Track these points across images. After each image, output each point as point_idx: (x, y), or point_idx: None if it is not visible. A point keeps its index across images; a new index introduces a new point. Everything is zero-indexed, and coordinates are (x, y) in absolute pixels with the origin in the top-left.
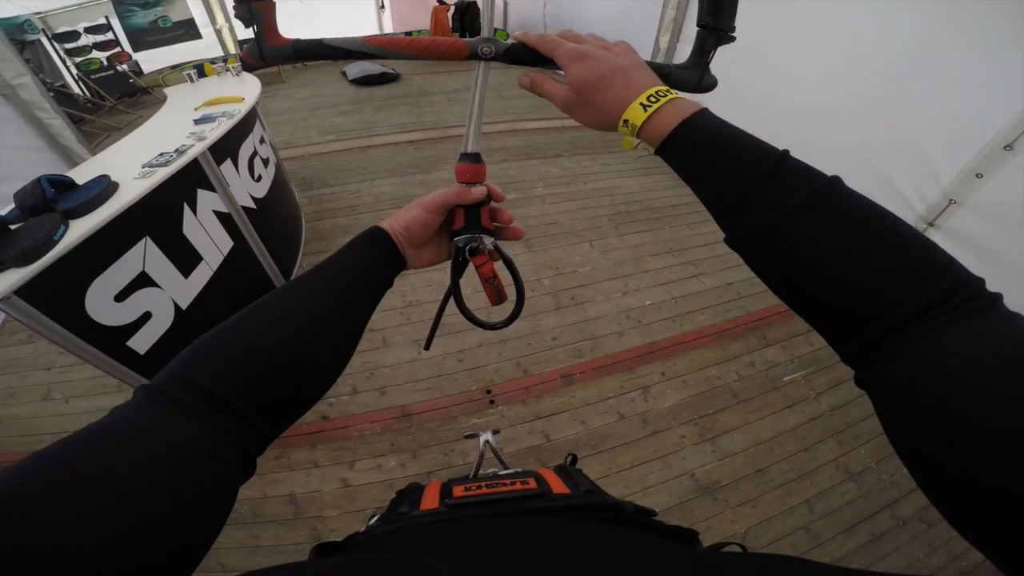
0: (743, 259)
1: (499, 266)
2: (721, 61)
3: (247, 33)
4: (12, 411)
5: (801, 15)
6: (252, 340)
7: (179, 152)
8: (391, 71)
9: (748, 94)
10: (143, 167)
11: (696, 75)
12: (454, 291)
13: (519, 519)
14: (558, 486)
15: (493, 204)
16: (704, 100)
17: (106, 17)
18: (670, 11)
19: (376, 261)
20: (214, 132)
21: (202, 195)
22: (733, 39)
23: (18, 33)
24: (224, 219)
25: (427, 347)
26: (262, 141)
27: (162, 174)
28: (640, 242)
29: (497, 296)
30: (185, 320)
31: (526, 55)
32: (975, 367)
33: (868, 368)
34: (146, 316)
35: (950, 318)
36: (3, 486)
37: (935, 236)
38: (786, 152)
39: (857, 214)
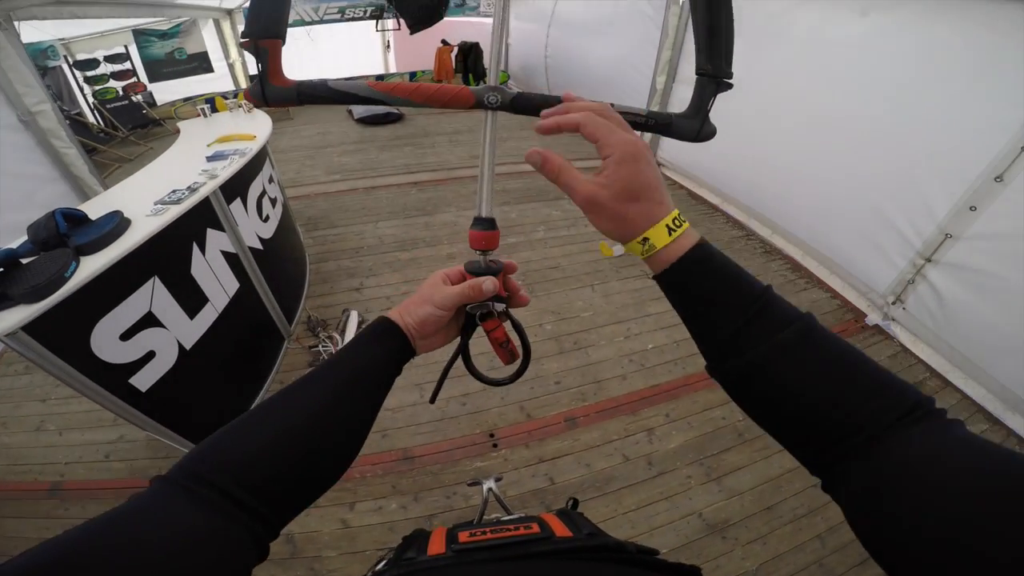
0: (722, 387)
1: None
2: (726, 105)
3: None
4: (3, 440)
5: (792, 56)
6: (267, 448)
7: (191, 189)
8: (395, 111)
9: (743, 133)
10: (156, 204)
11: (697, 124)
12: (463, 352)
13: (524, 562)
14: (560, 530)
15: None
16: (718, 139)
17: (125, 46)
18: (666, 52)
19: (388, 357)
20: (226, 170)
21: (211, 235)
22: (731, 86)
23: (41, 59)
24: (231, 260)
25: (432, 400)
26: (271, 180)
27: (174, 212)
28: (642, 286)
29: (510, 357)
30: (188, 360)
31: (534, 105)
32: (928, 480)
33: (835, 478)
34: (150, 355)
35: (907, 434)
36: (41, 564)
37: (933, 272)
38: (769, 288)
39: (829, 352)
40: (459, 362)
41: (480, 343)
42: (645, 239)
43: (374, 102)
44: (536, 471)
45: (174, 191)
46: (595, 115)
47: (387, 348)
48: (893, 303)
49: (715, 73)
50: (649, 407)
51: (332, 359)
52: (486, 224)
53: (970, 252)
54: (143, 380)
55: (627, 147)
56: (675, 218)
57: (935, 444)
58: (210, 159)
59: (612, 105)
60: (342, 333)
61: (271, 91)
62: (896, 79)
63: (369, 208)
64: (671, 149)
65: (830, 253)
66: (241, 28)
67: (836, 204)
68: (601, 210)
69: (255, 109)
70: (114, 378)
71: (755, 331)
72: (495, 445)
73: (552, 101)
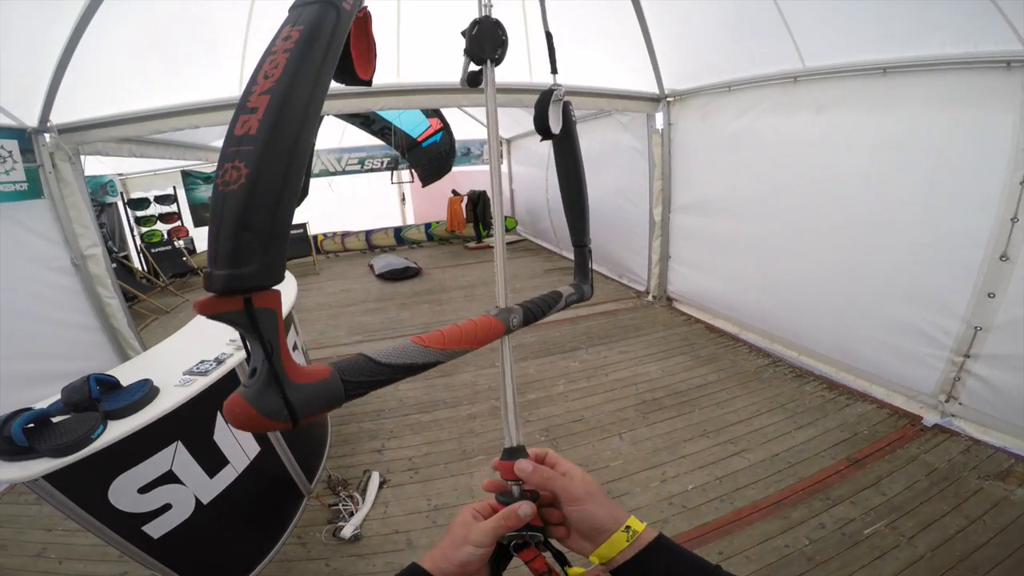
0: None
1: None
2: (724, 227)
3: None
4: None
5: (768, 166)
6: None
7: (218, 361)
8: (413, 265)
9: (746, 254)
10: (184, 374)
11: (590, 288)
12: None
13: None
14: None
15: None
16: (724, 263)
17: (173, 187)
18: (657, 182)
19: None
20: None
21: None
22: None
23: (100, 193)
24: None
25: None
26: (295, 348)
27: (201, 384)
28: (671, 428)
29: None
30: (204, 512)
31: (540, 311)
32: None
33: None
34: (166, 507)
35: None
36: None
37: (977, 366)
38: (719, 567)
39: None
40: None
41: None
42: (627, 527)
43: (429, 366)
44: None
45: (202, 361)
46: (540, 473)
47: None
48: (946, 401)
49: (588, 243)
50: (699, 547)
51: None
52: (515, 453)
53: (1007, 340)
54: (156, 528)
55: (570, 492)
56: (628, 525)
57: None
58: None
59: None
60: (363, 493)
61: (300, 397)
62: (862, 173)
63: None
64: (679, 282)
65: (864, 365)
66: None
67: (854, 314)
68: (564, 535)
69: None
70: (128, 524)
71: None
72: None
73: (552, 299)
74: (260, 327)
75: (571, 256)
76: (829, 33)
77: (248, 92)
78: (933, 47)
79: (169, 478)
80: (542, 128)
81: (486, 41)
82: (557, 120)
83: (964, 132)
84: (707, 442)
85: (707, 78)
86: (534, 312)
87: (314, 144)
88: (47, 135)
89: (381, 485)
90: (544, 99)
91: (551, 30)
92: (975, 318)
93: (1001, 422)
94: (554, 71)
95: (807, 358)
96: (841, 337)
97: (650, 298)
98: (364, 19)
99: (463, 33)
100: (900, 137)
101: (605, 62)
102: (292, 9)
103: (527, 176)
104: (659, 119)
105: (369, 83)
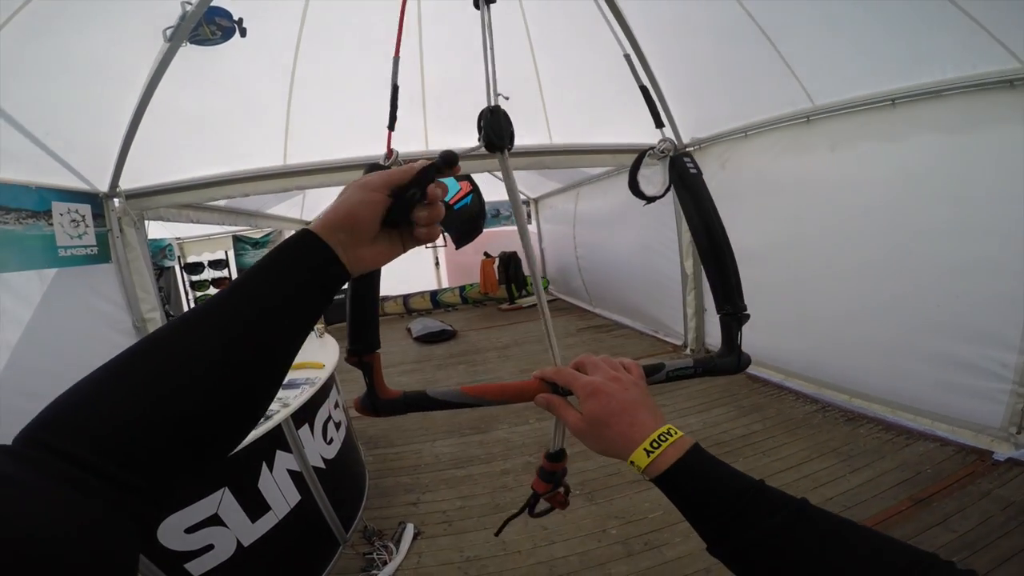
0: (726, 566)
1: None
2: (754, 273)
3: None
4: None
5: (811, 219)
6: (142, 416)
7: (266, 417)
8: (449, 328)
9: (783, 298)
10: None
11: (734, 361)
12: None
13: None
14: None
15: None
16: (759, 311)
17: (225, 252)
18: (685, 233)
19: (310, 278)
20: (297, 399)
21: (280, 455)
22: (748, 316)
23: (160, 257)
24: (295, 476)
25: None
26: (336, 406)
27: (249, 437)
28: None
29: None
30: (244, 553)
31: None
32: None
33: None
34: (208, 547)
35: None
36: None
37: None
38: (762, 481)
39: (824, 528)
40: None
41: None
42: (631, 462)
43: (467, 406)
44: None
45: None
46: (566, 371)
47: (308, 267)
48: (1018, 433)
49: (735, 311)
50: None
51: (230, 287)
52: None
53: None
54: (197, 567)
55: (586, 387)
56: (659, 435)
57: None
58: (283, 387)
59: (664, 366)
60: (397, 543)
61: (381, 404)
62: (884, 206)
63: (426, 427)
64: (717, 334)
65: (922, 404)
66: None
67: (902, 352)
68: (585, 436)
69: (326, 334)
70: (171, 561)
71: (750, 515)
72: None
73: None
74: (365, 370)
75: (605, 314)
76: (833, 68)
77: None
78: (936, 73)
79: (214, 520)
80: (636, 193)
81: (502, 129)
82: (660, 179)
83: (979, 155)
84: None
85: (723, 125)
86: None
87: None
88: (116, 200)
89: (415, 536)
90: (636, 163)
91: (580, 93)
92: None
93: None
94: (658, 125)
95: (859, 400)
96: (893, 376)
97: (688, 352)
98: None
99: (479, 122)
100: (916, 167)
101: (620, 119)
102: None
103: (556, 234)
104: None
105: None
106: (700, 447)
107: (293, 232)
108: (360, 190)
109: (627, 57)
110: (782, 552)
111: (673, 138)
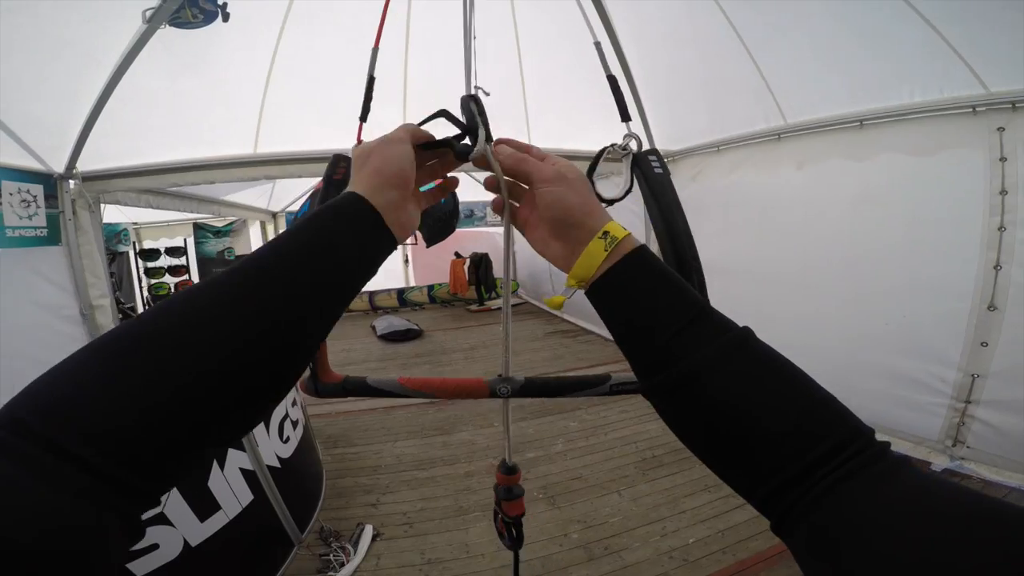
0: (656, 410)
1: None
2: (720, 285)
3: None
4: None
5: (775, 236)
6: (159, 407)
7: None
8: (415, 327)
9: (747, 314)
10: None
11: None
12: None
13: None
14: None
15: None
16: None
17: (184, 239)
18: (654, 240)
19: (361, 250)
20: None
21: (232, 454)
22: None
23: (114, 242)
24: (248, 475)
25: None
26: (294, 403)
27: None
28: (672, 484)
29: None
30: (191, 554)
31: (546, 388)
32: (880, 522)
33: (783, 519)
34: (153, 547)
35: (852, 467)
36: None
37: (980, 411)
38: (706, 302)
39: (764, 365)
40: None
41: None
42: (605, 233)
43: (406, 396)
44: None
45: None
46: (516, 155)
47: (357, 233)
48: (953, 445)
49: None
50: None
51: (270, 248)
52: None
53: (1007, 386)
54: (140, 567)
55: (541, 173)
56: (606, 230)
57: (895, 494)
58: None
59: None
60: (355, 545)
61: (322, 387)
62: (844, 227)
63: (388, 428)
64: None
65: (867, 415)
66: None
67: (852, 365)
68: (533, 231)
69: None
70: None
71: (693, 336)
72: None
73: (583, 383)
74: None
75: (572, 320)
76: (807, 88)
77: None
78: (903, 96)
79: (160, 519)
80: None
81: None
82: (621, 179)
83: (939, 180)
84: (708, 496)
85: (698, 139)
86: (544, 386)
87: None
88: (71, 182)
89: (374, 538)
90: (594, 161)
91: (545, 95)
92: (971, 367)
93: (1012, 462)
94: (625, 119)
95: None
96: (841, 387)
97: None
98: None
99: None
100: (878, 188)
101: (594, 128)
102: None
103: None
104: None
105: None
106: (647, 249)
107: (259, 223)
108: (397, 143)
109: (597, 45)
110: (719, 382)
111: (640, 135)
